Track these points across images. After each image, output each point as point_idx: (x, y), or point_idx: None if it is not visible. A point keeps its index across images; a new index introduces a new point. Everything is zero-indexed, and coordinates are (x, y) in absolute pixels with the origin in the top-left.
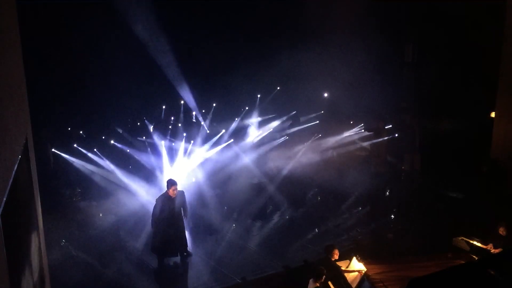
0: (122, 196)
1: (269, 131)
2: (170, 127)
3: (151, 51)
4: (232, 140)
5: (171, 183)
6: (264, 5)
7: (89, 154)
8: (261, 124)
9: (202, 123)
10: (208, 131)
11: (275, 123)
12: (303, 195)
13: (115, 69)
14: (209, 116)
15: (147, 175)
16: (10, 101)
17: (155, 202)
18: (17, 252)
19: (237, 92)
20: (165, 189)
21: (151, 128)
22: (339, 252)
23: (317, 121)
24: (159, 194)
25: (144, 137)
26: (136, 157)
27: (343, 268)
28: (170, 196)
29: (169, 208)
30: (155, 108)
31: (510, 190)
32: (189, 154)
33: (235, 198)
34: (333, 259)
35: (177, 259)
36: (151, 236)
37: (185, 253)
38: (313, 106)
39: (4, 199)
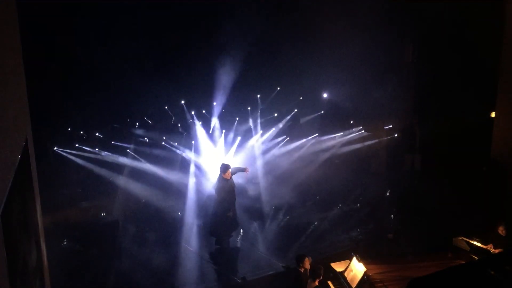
0: (123, 195)
1: (268, 131)
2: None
3: (152, 50)
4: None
5: (227, 166)
6: (266, 5)
7: (89, 154)
8: (260, 125)
9: (200, 123)
10: (210, 131)
11: (274, 124)
12: (303, 195)
13: (116, 68)
14: (212, 116)
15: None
16: (10, 101)
17: (215, 191)
18: (17, 252)
19: (236, 92)
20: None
21: (151, 127)
22: (310, 261)
23: (316, 134)
24: (217, 182)
25: (145, 137)
26: (136, 156)
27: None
28: (226, 179)
29: (231, 189)
30: (156, 107)
31: (510, 190)
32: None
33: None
34: (303, 270)
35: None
36: (213, 220)
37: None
38: (312, 106)
39: (4, 199)
